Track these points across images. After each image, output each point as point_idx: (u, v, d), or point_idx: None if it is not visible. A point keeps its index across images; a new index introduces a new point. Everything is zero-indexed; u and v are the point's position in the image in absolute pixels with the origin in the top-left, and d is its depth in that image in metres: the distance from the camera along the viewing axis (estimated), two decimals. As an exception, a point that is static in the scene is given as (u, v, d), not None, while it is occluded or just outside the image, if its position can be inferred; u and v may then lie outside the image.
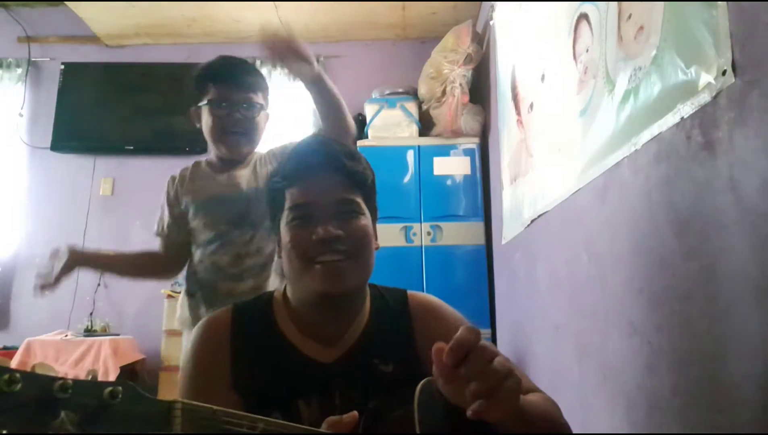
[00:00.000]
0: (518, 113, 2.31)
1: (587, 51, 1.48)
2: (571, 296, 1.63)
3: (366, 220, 0.89)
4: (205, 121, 1.44)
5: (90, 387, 0.42)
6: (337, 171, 0.88)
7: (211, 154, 1.52)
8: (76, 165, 3.75)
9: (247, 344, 0.87)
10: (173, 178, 1.53)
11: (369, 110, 3.40)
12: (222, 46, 3.82)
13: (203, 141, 1.49)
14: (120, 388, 0.43)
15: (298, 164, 0.89)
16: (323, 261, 0.83)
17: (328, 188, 0.87)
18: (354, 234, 0.85)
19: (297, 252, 0.84)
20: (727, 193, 0.86)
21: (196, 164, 1.54)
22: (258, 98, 1.45)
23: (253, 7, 3.44)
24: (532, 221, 2.05)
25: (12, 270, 3.61)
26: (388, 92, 3.44)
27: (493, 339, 2.95)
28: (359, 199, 0.89)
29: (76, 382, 0.41)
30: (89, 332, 3.11)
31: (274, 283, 1.41)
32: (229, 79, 1.42)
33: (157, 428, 0.46)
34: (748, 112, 0.82)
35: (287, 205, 0.88)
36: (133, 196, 3.70)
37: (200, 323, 0.91)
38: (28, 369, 0.41)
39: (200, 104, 1.44)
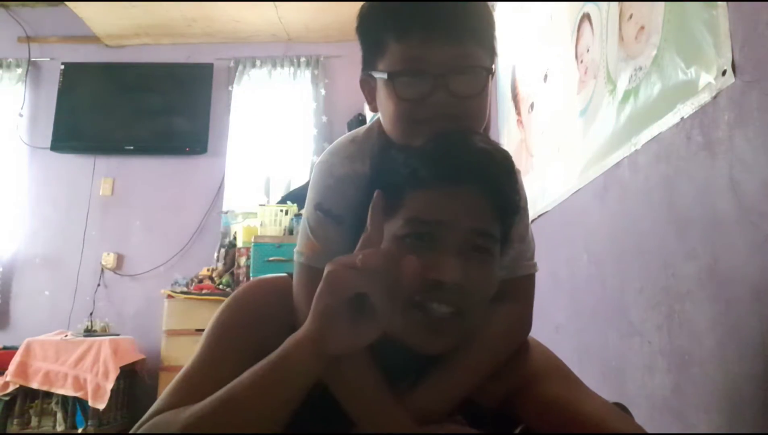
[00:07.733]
0: (518, 113, 2.31)
1: (588, 51, 1.48)
2: (571, 296, 1.63)
3: (495, 268, 0.66)
4: (384, 104, 0.74)
5: None
6: (486, 187, 0.64)
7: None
8: (76, 165, 3.74)
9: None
10: (344, 178, 0.74)
11: (369, 110, 3.39)
12: (222, 46, 3.83)
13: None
14: None
15: (440, 163, 0.63)
16: (426, 307, 0.62)
17: (469, 210, 0.63)
18: (477, 286, 0.63)
19: None
20: (727, 193, 0.86)
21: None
22: (481, 57, 0.71)
23: (253, 7, 3.44)
24: (532, 221, 2.04)
25: (12, 270, 3.61)
26: (388, 92, 3.43)
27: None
28: (498, 236, 0.66)
29: None
30: (89, 332, 3.10)
31: None
32: (429, 26, 0.68)
33: None
34: (748, 112, 0.82)
35: (405, 213, 0.63)
36: (133, 196, 3.69)
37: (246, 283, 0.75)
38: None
39: (375, 74, 0.75)
